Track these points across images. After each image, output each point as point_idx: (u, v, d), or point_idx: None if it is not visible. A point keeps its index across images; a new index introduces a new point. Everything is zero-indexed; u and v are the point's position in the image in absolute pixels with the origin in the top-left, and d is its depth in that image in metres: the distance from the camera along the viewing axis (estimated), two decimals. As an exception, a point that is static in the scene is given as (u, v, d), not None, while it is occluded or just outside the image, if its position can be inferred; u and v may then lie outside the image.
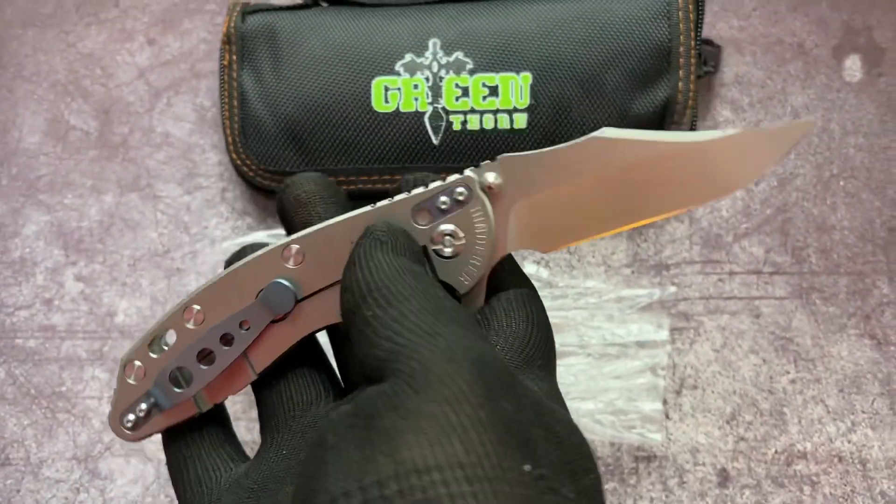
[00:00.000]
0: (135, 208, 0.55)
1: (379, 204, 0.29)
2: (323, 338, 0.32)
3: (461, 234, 0.28)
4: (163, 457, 0.51)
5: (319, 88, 0.51)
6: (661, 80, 0.51)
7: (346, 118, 0.51)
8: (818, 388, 0.51)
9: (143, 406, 0.30)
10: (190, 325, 0.29)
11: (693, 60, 0.51)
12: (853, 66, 0.56)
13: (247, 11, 0.54)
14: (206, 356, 0.29)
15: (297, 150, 0.52)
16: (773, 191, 0.54)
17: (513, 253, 0.30)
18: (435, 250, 0.29)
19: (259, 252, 0.29)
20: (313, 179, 0.32)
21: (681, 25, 0.50)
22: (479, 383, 0.22)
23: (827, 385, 0.51)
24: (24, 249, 0.55)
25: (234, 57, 0.53)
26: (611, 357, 0.50)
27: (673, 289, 0.52)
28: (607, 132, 0.28)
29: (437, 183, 0.29)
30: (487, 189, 0.28)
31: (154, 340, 0.30)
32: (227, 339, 0.29)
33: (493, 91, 0.51)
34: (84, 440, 0.52)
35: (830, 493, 0.49)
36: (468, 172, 0.28)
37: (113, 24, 0.59)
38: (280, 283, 0.29)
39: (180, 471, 0.31)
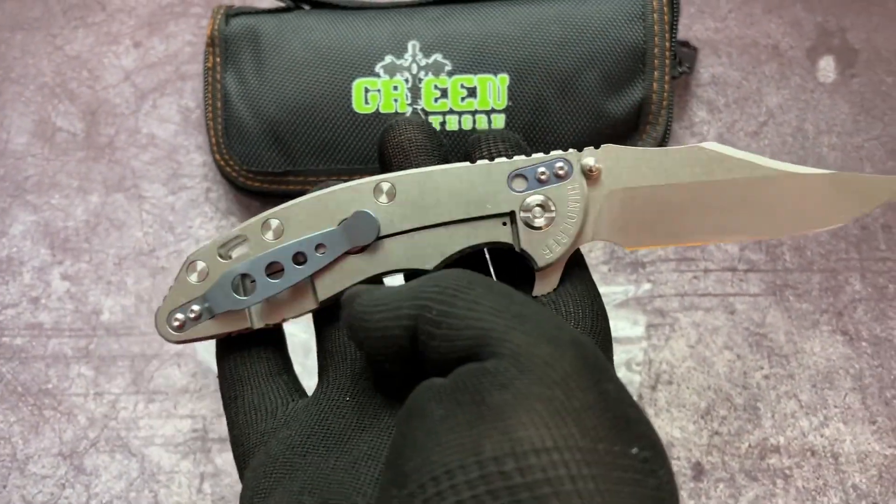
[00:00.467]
0: (120, 208, 0.56)
1: (479, 162, 0.29)
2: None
3: (553, 208, 0.28)
4: (147, 452, 0.52)
5: (301, 90, 0.52)
6: (636, 81, 0.52)
7: (327, 120, 0.52)
8: (791, 384, 0.52)
9: (196, 308, 0.29)
10: (267, 237, 0.29)
11: (668, 62, 0.51)
12: (827, 67, 0.57)
13: (230, 14, 0.55)
14: (275, 272, 0.29)
15: (279, 151, 0.52)
16: (747, 190, 0.55)
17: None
18: (523, 218, 0.28)
19: (351, 182, 0.29)
20: (419, 127, 0.31)
21: (656, 27, 0.51)
22: (583, 366, 0.22)
23: (800, 380, 0.52)
24: (11, 249, 0.56)
25: (218, 59, 0.54)
26: (587, 353, 0.51)
27: (648, 286, 0.53)
28: (715, 146, 0.29)
29: (540, 155, 0.29)
30: (587, 171, 0.28)
31: (225, 245, 0.29)
32: (299, 259, 0.29)
33: (472, 92, 0.52)
34: (70, 437, 0.53)
35: (803, 487, 0.50)
36: (572, 151, 0.29)
37: (99, 28, 0.60)
38: (366, 213, 0.28)
39: (234, 392, 0.30)
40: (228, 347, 0.31)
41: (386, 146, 0.31)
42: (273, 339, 0.31)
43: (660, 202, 0.29)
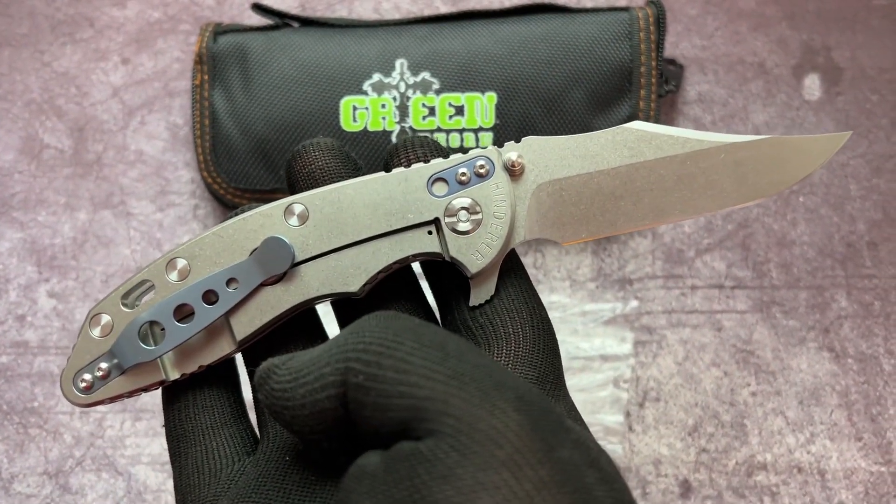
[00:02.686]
0: (108, 225, 0.56)
1: (395, 170, 0.27)
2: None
3: (479, 209, 0.26)
4: (133, 471, 0.51)
5: (289, 108, 0.52)
6: (623, 99, 0.52)
7: (314, 137, 0.52)
8: (778, 401, 0.52)
9: (104, 365, 0.26)
10: (172, 279, 0.26)
11: (654, 80, 0.52)
12: (812, 85, 0.57)
13: (218, 32, 0.55)
14: (185, 315, 0.26)
15: (266, 168, 0.52)
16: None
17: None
18: (449, 224, 0.27)
19: (258, 208, 0.27)
20: (328, 150, 0.28)
21: (642, 46, 0.52)
22: (532, 435, 0.19)
23: (787, 397, 0.52)
24: (-2, 266, 0.56)
25: (206, 76, 0.54)
26: (574, 370, 0.51)
27: (636, 303, 0.53)
28: (640, 124, 0.27)
29: (458, 155, 0.27)
30: (510, 166, 0.27)
31: (130, 294, 0.27)
32: (210, 298, 0.26)
33: (459, 111, 0.52)
34: (55, 455, 0.52)
35: (790, 504, 0.50)
36: (491, 147, 0.27)
37: (88, 44, 0.60)
38: (278, 238, 0.26)
39: (178, 448, 0.27)
40: (174, 394, 0.28)
41: (295, 175, 0.28)
42: (222, 377, 0.28)
43: (591, 191, 0.27)
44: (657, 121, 0.53)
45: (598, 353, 0.52)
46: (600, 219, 0.27)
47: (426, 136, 0.28)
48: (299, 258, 0.26)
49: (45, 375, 0.54)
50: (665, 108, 0.57)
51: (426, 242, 0.27)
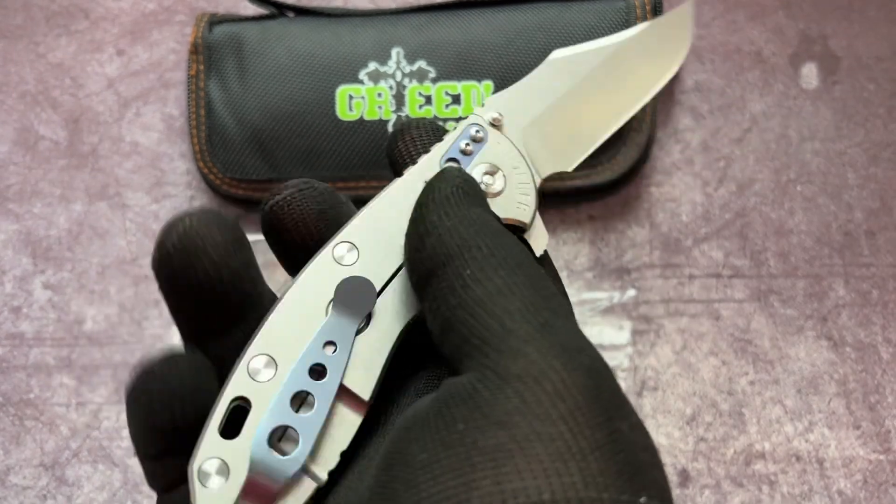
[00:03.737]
0: (103, 217, 0.56)
1: (407, 172, 0.26)
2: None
3: (497, 168, 0.27)
4: (130, 462, 0.51)
5: (284, 97, 0.52)
6: (619, 88, 0.52)
7: (310, 127, 0.52)
8: (776, 389, 0.52)
9: None
10: (263, 380, 0.22)
11: (651, 69, 0.52)
12: (810, 74, 0.57)
13: (214, 22, 0.55)
14: (301, 403, 0.22)
15: (262, 158, 0.52)
16: (731, 196, 0.55)
17: None
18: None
19: (304, 269, 0.24)
20: (308, 199, 0.25)
21: (639, 34, 0.52)
22: (596, 398, 0.19)
23: (785, 386, 0.52)
24: (-7, 258, 0.56)
25: (202, 67, 0.54)
26: (572, 360, 0.51)
27: (634, 292, 0.53)
28: (560, 52, 0.31)
29: (451, 133, 0.27)
30: (495, 123, 0.28)
31: (223, 422, 0.22)
32: (317, 371, 0.23)
33: (456, 99, 0.52)
34: (51, 447, 0.52)
35: (788, 493, 0.50)
36: (473, 114, 0.28)
37: (83, 36, 0.60)
38: (350, 278, 0.24)
39: None
40: None
41: (277, 233, 0.26)
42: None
43: (561, 117, 0.30)
44: (654, 111, 0.53)
45: (595, 342, 0.51)
46: (582, 136, 0.30)
47: (421, 119, 0.28)
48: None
49: (41, 367, 0.53)
50: (662, 98, 0.56)
51: None
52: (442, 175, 0.24)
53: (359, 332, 0.23)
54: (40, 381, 0.53)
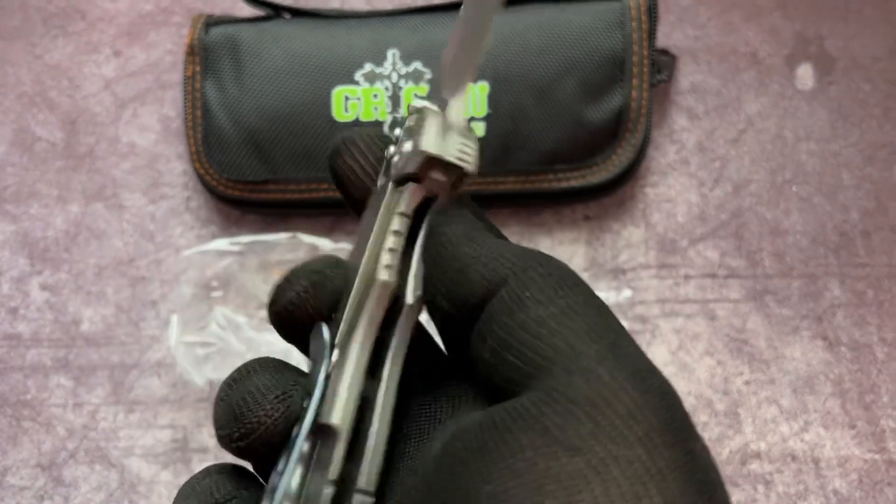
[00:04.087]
0: (100, 217, 0.56)
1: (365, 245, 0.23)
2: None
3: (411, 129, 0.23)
4: (127, 463, 0.51)
5: (280, 98, 0.52)
6: (615, 89, 0.52)
7: (306, 127, 0.52)
8: (772, 389, 0.52)
9: None
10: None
11: (646, 70, 0.52)
12: (805, 75, 0.57)
13: (210, 23, 0.55)
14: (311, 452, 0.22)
15: (258, 159, 0.52)
16: (727, 196, 0.55)
17: None
18: (396, 152, 0.23)
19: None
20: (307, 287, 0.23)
21: (634, 35, 0.52)
22: (671, 420, 0.18)
23: (780, 386, 0.52)
24: (-10, 259, 0.56)
25: (198, 68, 0.54)
26: (568, 360, 0.51)
27: (629, 292, 0.53)
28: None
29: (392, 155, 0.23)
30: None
31: None
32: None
33: (452, 100, 0.52)
34: (48, 448, 0.52)
35: (784, 492, 0.50)
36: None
37: (80, 37, 0.60)
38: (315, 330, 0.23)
39: None
40: None
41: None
42: None
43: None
44: (650, 111, 0.53)
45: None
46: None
47: (364, 132, 0.25)
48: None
49: (38, 368, 0.53)
50: (658, 98, 0.57)
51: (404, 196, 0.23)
52: (450, 210, 0.23)
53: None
54: (37, 382, 0.53)
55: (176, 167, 0.57)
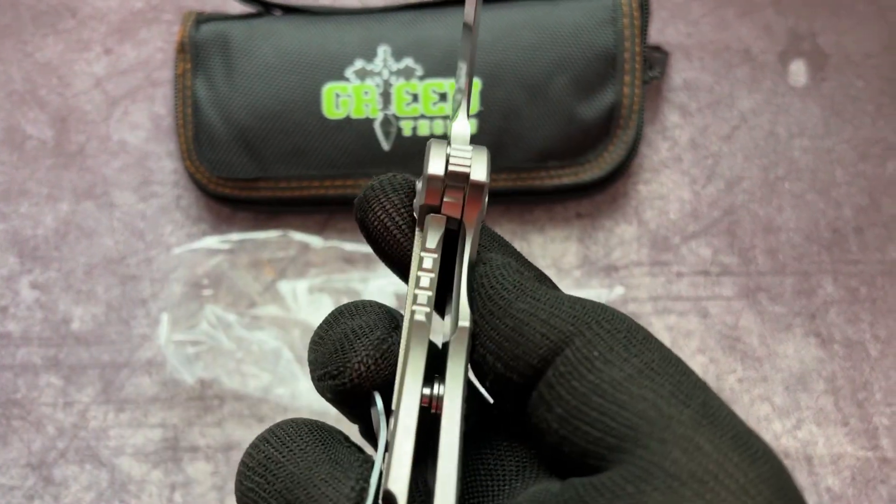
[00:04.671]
0: (90, 216, 0.56)
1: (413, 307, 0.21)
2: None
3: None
4: (117, 462, 0.51)
5: (271, 96, 0.52)
6: (607, 86, 0.52)
7: (297, 125, 0.52)
8: (765, 387, 0.52)
9: None
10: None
11: (639, 66, 0.52)
12: (798, 71, 0.57)
13: (201, 20, 0.55)
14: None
15: (249, 157, 0.52)
16: (720, 193, 0.55)
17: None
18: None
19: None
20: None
21: (626, 32, 0.52)
22: (784, 492, 0.16)
23: (773, 383, 0.52)
24: (-20, 258, 0.55)
25: (188, 65, 0.54)
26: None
27: (622, 290, 0.53)
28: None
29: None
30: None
31: None
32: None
33: (443, 97, 0.51)
34: (38, 447, 0.52)
35: (777, 490, 0.50)
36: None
37: (70, 35, 0.59)
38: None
39: None
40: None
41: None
42: None
43: None
44: (642, 108, 0.52)
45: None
46: None
47: (392, 178, 0.23)
48: None
49: (28, 367, 0.53)
50: (650, 95, 0.56)
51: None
52: (490, 261, 0.21)
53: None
54: (27, 381, 0.53)
55: (166, 165, 0.57)
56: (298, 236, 0.54)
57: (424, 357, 0.20)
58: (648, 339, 0.18)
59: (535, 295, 0.19)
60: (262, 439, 0.19)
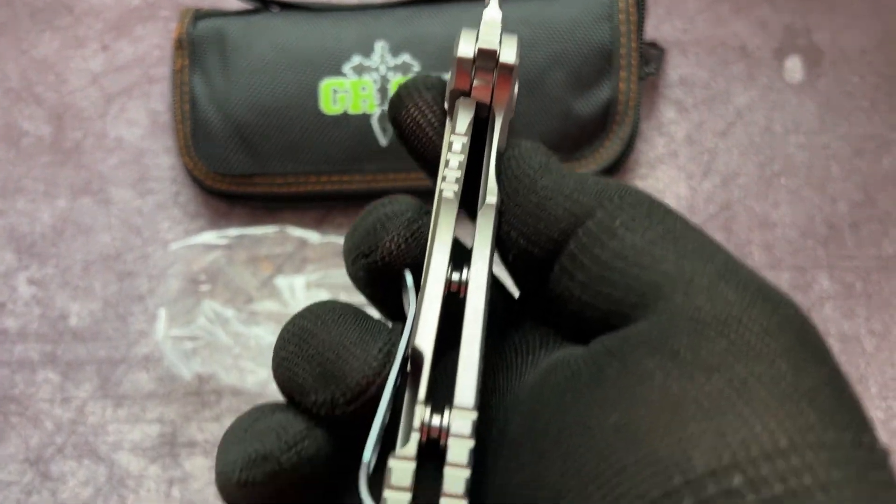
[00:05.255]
0: (87, 212, 0.56)
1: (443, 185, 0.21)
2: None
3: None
4: (115, 458, 0.51)
5: (268, 91, 0.52)
6: (603, 82, 0.52)
7: (294, 120, 0.52)
8: (761, 381, 0.52)
9: None
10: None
11: (635, 62, 0.52)
12: (794, 68, 0.57)
13: (198, 16, 0.55)
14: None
15: (246, 153, 0.52)
16: (716, 189, 0.55)
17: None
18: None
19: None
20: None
21: (622, 28, 0.52)
22: (808, 336, 0.16)
23: (769, 378, 0.52)
24: (-23, 254, 0.55)
25: (186, 61, 0.54)
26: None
27: (618, 285, 0.53)
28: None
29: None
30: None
31: None
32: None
33: (440, 93, 0.51)
34: (36, 443, 0.52)
35: (773, 484, 0.50)
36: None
37: (66, 31, 0.59)
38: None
39: None
40: None
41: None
42: None
43: None
44: (638, 104, 0.53)
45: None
46: None
47: (424, 78, 0.23)
48: None
49: (25, 363, 0.53)
50: (646, 91, 0.56)
51: None
52: (518, 144, 0.21)
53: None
54: (24, 377, 0.53)
55: (163, 161, 0.57)
56: (296, 232, 0.54)
57: (452, 229, 0.20)
58: (670, 211, 0.19)
59: (560, 172, 0.20)
60: (298, 315, 0.20)
